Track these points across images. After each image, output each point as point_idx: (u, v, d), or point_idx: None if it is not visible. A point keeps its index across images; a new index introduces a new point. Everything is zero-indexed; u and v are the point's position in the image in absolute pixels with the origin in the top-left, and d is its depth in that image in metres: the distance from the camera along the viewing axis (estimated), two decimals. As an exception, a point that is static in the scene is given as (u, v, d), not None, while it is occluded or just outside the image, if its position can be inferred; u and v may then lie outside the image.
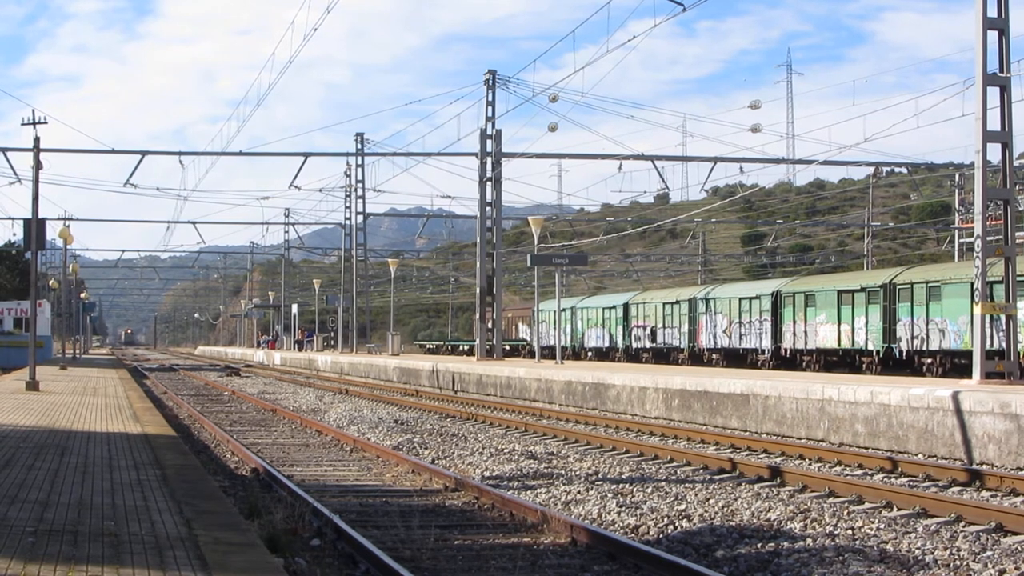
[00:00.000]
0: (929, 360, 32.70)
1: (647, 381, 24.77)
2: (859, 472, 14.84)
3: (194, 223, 63.38)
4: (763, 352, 41.11)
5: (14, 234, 74.87)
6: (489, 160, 41.89)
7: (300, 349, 77.13)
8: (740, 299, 43.17)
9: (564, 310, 50.77)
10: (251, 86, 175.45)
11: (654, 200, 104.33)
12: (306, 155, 46.32)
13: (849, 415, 18.40)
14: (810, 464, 15.75)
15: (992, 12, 20.09)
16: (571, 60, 31.67)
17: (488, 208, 42.47)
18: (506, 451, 17.26)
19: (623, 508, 11.69)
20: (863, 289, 35.79)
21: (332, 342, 75.80)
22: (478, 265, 43.20)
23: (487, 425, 22.87)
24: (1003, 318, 20.74)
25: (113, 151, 47.18)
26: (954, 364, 31.45)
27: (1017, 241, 21.91)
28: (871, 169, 53.63)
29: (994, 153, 20.94)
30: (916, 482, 13.85)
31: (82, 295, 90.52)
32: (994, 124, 20.18)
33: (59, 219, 61.50)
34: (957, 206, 60.95)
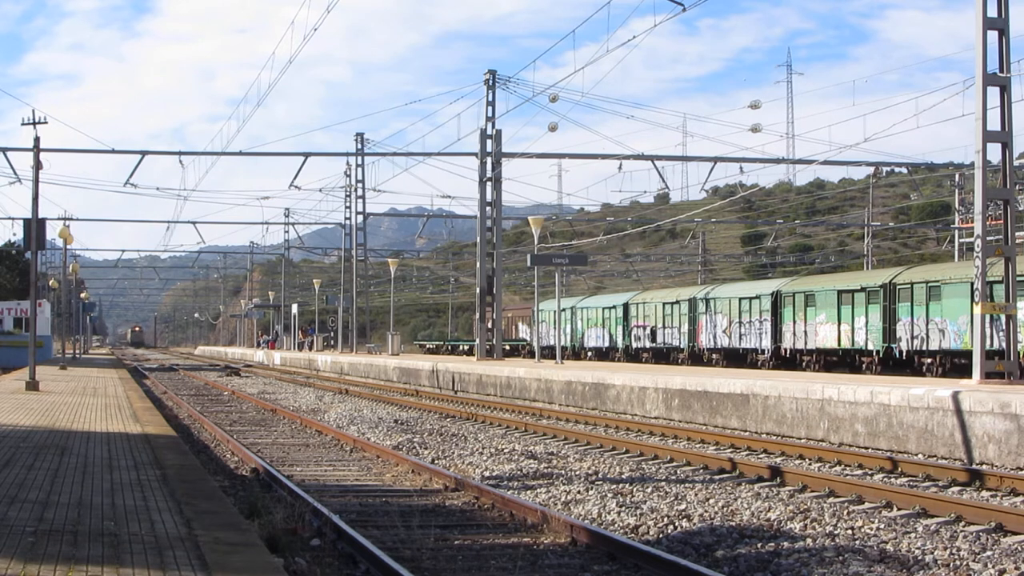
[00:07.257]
0: (929, 360, 32.69)
1: (647, 381, 24.77)
2: (859, 472, 14.84)
3: (194, 223, 63.48)
4: (763, 352, 41.10)
5: (14, 234, 74.87)
6: (489, 160, 41.89)
7: (309, 348, 76.97)
8: (740, 299, 43.16)
9: (564, 310, 50.76)
10: (251, 85, 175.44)
11: (654, 200, 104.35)
12: (306, 155, 46.32)
13: (849, 415, 18.39)
14: (810, 464, 15.75)
15: (992, 12, 20.09)
16: (571, 59, 31.67)
17: (488, 208, 42.46)
18: (506, 451, 17.26)
19: (623, 508, 11.69)
20: (863, 289, 35.79)
21: (332, 342, 75.78)
22: (478, 265, 43.20)
23: (487, 425, 22.86)
24: (1003, 318, 20.73)
25: (113, 151, 47.22)
26: (954, 364, 31.44)
27: (1017, 241, 21.91)
28: (871, 169, 53.60)
29: (994, 153, 20.95)
30: (916, 482, 13.85)
31: (82, 295, 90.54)
32: (994, 124, 20.18)
33: (59, 219, 61.54)
34: (957, 206, 60.90)
